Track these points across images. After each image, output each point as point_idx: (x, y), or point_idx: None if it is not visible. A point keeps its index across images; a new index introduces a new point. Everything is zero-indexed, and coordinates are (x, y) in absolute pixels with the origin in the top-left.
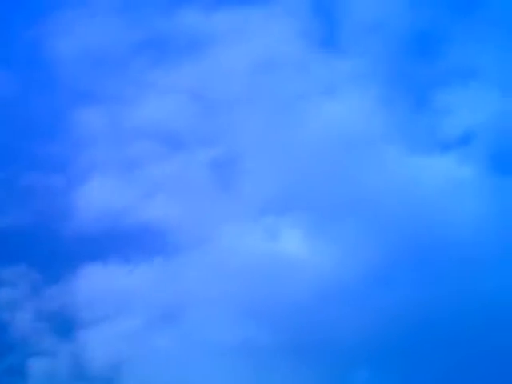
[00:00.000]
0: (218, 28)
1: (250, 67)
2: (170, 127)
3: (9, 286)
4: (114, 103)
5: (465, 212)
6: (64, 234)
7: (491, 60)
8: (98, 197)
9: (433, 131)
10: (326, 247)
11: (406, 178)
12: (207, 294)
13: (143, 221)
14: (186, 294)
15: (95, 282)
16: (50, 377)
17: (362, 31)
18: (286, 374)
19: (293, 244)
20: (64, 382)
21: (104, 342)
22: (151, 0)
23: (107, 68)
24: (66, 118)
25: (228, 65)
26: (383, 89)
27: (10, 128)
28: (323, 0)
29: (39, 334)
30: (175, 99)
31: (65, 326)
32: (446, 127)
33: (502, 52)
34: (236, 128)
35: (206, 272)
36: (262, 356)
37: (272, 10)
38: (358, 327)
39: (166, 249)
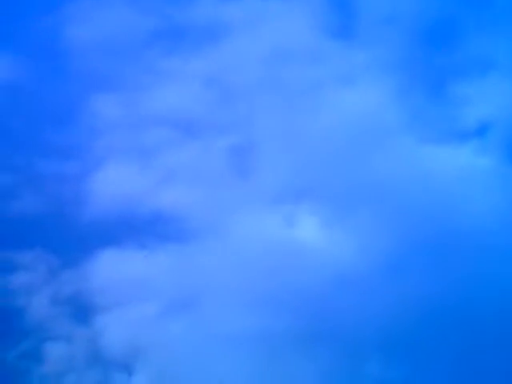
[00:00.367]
0: (234, 17)
1: (266, 56)
2: (187, 115)
3: (25, 270)
4: (130, 91)
5: (481, 201)
6: (80, 220)
7: (508, 51)
8: (113, 183)
9: (450, 121)
10: (343, 235)
11: (422, 168)
12: (223, 281)
13: (159, 207)
14: (202, 281)
15: (111, 268)
16: (66, 361)
17: (379, 22)
18: (301, 361)
19: (309, 232)
20: (81, 367)
21: (120, 328)
22: None
23: (123, 56)
24: (82, 105)
25: (244, 53)
26: (400, 79)
27: (26, 114)
28: None
29: (56, 319)
30: (191, 87)
31: (81, 310)
32: (463, 117)
33: None
34: (253, 116)
35: (222, 259)
36: (278, 343)
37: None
38: (373, 315)
39: (182, 235)
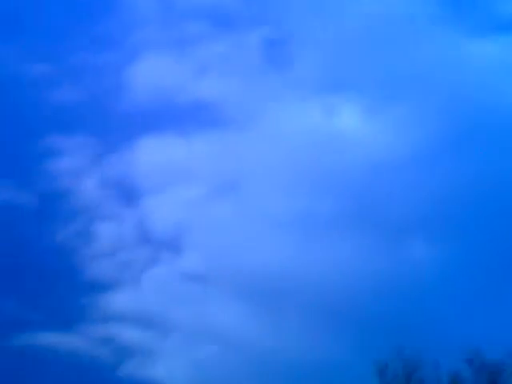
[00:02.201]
0: None
1: None
2: (220, 8)
3: (70, 156)
4: None
5: None
6: (119, 109)
7: None
8: (150, 74)
9: (489, 13)
10: (382, 124)
11: (460, 60)
12: (263, 167)
13: (197, 97)
14: (243, 166)
15: (153, 154)
16: (115, 241)
17: None
18: (342, 243)
19: (349, 121)
20: (129, 246)
21: (167, 209)
22: None
23: None
24: None
25: None
26: None
27: (64, 6)
28: None
29: (103, 201)
30: None
31: (128, 193)
32: (502, 10)
33: None
34: (286, 9)
35: (261, 146)
36: (319, 225)
37: None
38: (409, 200)
39: (222, 122)
